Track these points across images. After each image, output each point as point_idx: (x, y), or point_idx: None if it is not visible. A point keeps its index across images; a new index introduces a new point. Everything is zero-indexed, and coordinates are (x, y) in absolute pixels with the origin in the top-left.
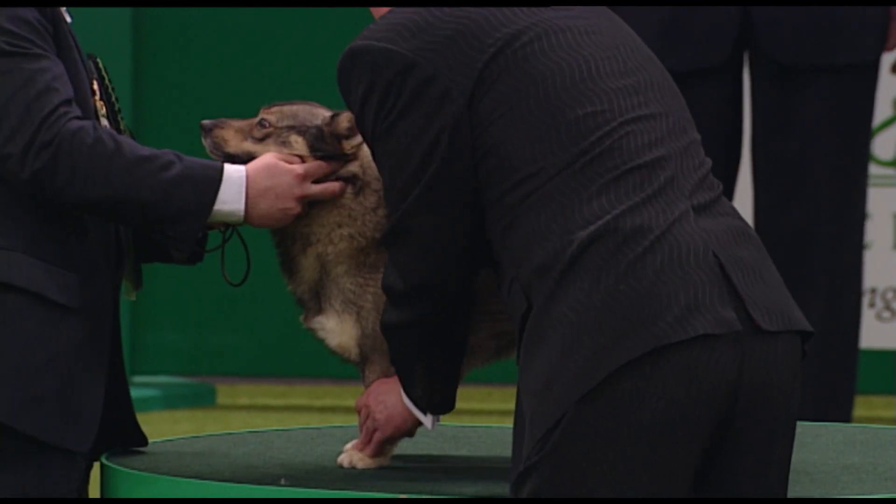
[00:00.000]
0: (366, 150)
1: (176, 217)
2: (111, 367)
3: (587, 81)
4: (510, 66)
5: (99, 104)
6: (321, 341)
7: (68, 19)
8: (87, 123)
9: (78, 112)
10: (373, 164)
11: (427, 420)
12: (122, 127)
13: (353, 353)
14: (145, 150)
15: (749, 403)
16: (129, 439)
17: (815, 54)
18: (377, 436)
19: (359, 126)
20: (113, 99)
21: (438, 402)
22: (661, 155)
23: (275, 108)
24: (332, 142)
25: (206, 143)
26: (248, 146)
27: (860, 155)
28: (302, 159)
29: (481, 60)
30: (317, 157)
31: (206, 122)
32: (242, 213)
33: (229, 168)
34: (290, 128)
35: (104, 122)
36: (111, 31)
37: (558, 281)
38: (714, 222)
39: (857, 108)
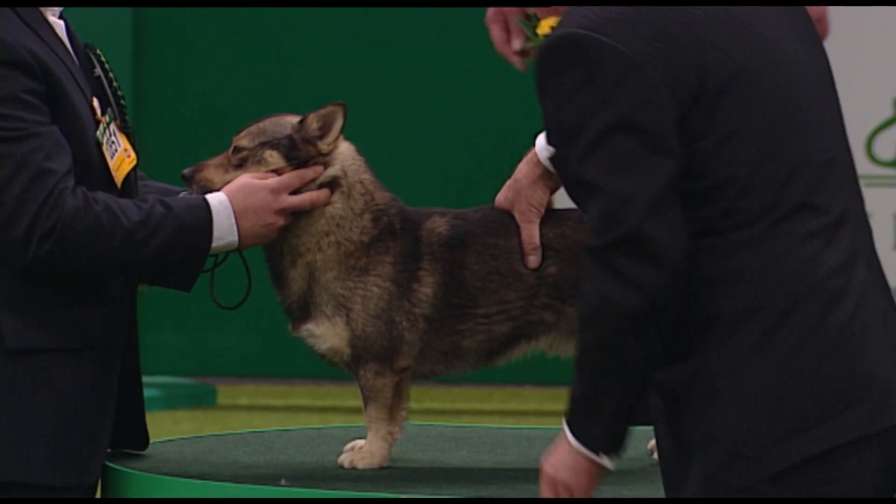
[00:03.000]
0: (344, 152)
1: (177, 267)
2: (127, 368)
3: (795, 125)
4: (728, 90)
5: (101, 119)
6: (311, 347)
7: (58, 20)
8: (80, 199)
9: (72, 182)
10: (354, 166)
11: (606, 460)
12: (126, 120)
13: (346, 354)
14: (136, 213)
15: None
16: (132, 442)
17: None
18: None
19: (559, 114)
20: (117, 90)
21: (620, 438)
22: (844, 209)
23: (244, 132)
24: (306, 146)
25: (192, 189)
26: (231, 176)
27: None
28: (278, 173)
29: (698, 77)
30: (294, 167)
31: (185, 171)
32: (237, 242)
33: (213, 202)
34: (263, 144)
35: (108, 135)
36: (111, 30)
37: (746, 334)
38: (875, 282)
39: None
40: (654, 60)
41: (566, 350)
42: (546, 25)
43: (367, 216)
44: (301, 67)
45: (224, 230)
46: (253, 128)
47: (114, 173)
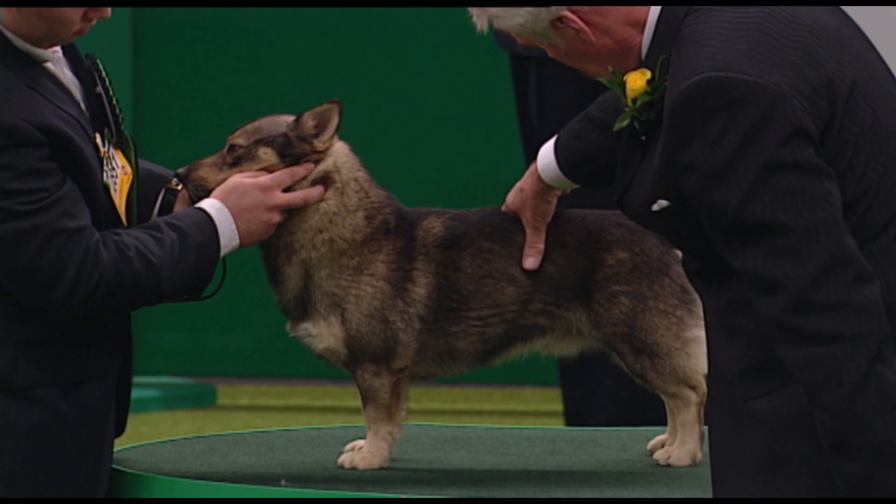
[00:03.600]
0: (338, 150)
1: (194, 286)
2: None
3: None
4: (849, 108)
5: (104, 153)
6: (308, 347)
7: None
8: (114, 250)
9: (97, 233)
10: (348, 163)
11: None
12: (124, 133)
13: (342, 354)
14: (157, 247)
15: None
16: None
17: None
18: None
19: (706, 159)
20: (114, 102)
21: None
22: None
23: (239, 131)
24: (301, 144)
25: (188, 188)
26: (225, 174)
27: None
28: (271, 171)
29: (826, 99)
30: (287, 164)
31: (180, 170)
32: (239, 244)
33: (213, 211)
34: (258, 142)
35: (109, 164)
36: (111, 31)
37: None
38: None
39: None
40: (792, 89)
41: (560, 351)
42: (634, 82)
43: (360, 213)
44: (300, 68)
45: (227, 237)
46: (248, 126)
47: (119, 209)
